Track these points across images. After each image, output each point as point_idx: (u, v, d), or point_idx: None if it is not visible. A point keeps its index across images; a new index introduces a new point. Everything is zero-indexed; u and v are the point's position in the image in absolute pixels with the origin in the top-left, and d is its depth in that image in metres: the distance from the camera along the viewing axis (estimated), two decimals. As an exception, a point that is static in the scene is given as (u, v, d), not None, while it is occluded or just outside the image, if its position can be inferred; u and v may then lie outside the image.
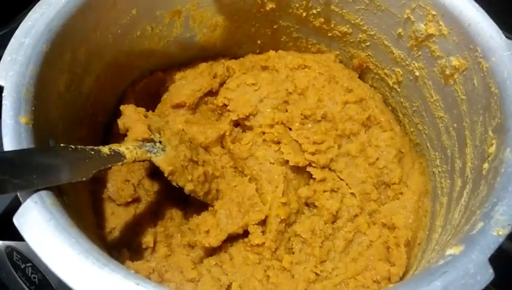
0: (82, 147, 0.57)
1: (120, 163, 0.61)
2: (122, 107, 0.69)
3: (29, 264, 0.80)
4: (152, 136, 0.68)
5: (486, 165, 0.57)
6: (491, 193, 0.52)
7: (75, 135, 0.68)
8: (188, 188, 0.69)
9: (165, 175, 0.66)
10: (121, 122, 0.68)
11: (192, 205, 0.77)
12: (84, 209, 0.67)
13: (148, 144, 0.67)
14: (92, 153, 0.57)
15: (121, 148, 0.63)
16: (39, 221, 0.45)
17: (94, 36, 0.67)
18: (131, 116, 0.68)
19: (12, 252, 0.81)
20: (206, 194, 0.73)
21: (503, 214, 0.48)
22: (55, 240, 0.45)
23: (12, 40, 0.57)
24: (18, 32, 0.57)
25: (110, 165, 0.60)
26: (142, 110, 0.71)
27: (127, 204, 0.73)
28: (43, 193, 0.48)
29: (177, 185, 0.68)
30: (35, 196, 0.47)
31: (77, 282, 0.43)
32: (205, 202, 0.74)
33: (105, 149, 0.60)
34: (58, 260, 0.44)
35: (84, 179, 0.54)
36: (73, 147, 0.55)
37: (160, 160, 0.66)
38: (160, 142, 0.68)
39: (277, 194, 0.74)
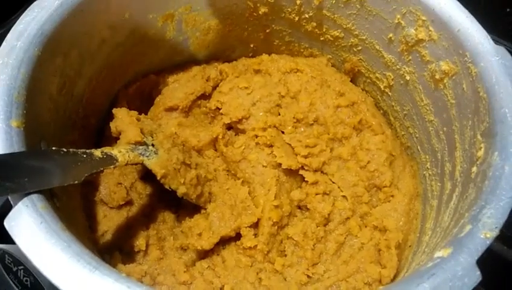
0: (74, 150, 0.57)
1: (112, 166, 0.61)
2: (114, 110, 0.69)
3: (21, 267, 0.80)
4: (145, 140, 0.68)
5: (475, 169, 0.58)
6: (479, 196, 0.52)
7: (68, 137, 0.68)
8: (181, 191, 0.69)
9: (158, 178, 0.67)
10: (113, 125, 0.68)
11: (184, 207, 0.77)
12: (76, 213, 0.67)
13: (141, 147, 0.67)
14: (84, 156, 0.57)
15: (114, 151, 0.63)
16: (30, 224, 0.45)
17: (86, 39, 0.67)
18: (123, 119, 0.68)
19: (4, 255, 0.81)
20: (198, 197, 0.73)
21: (491, 217, 0.49)
22: (46, 243, 0.45)
23: (4, 43, 0.57)
24: (10, 36, 0.57)
25: (102, 169, 0.60)
26: (134, 113, 0.71)
27: (119, 207, 0.73)
28: (34, 196, 0.48)
29: (169, 188, 0.68)
30: (26, 200, 0.47)
31: (68, 285, 0.43)
32: (198, 204, 0.74)
33: (97, 152, 0.60)
34: (49, 264, 0.44)
35: (76, 182, 0.54)
36: (65, 150, 0.55)
37: (153, 163, 0.66)
38: (152, 145, 0.68)
39: (269, 197, 0.74)
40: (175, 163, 0.69)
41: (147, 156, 0.67)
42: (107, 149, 0.62)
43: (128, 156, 0.64)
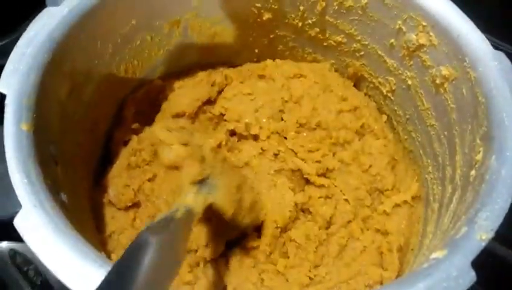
0: (162, 219, 0.49)
1: (195, 219, 0.54)
2: (161, 136, 0.61)
3: (32, 266, 0.82)
4: (206, 173, 0.60)
5: (473, 172, 0.59)
6: (476, 199, 0.53)
7: (76, 141, 0.70)
8: (245, 223, 0.67)
9: (227, 216, 0.61)
10: (165, 157, 0.60)
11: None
12: (84, 214, 0.69)
13: (203, 183, 0.59)
14: (172, 223, 0.50)
15: (188, 202, 0.55)
16: (39, 224, 0.47)
17: (94, 46, 0.69)
18: (178, 151, 0.59)
19: (15, 254, 0.83)
20: (255, 220, 0.70)
21: (487, 219, 0.50)
22: (53, 242, 0.47)
23: (15, 49, 0.59)
24: (20, 42, 0.59)
25: (190, 229, 0.53)
26: (180, 137, 0.61)
27: (127, 208, 0.75)
28: (42, 196, 0.50)
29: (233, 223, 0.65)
30: (34, 199, 0.49)
31: (75, 283, 0.45)
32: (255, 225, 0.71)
33: (180, 212, 0.52)
34: (56, 262, 0.46)
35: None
36: (157, 223, 0.48)
37: (220, 200, 0.60)
38: (208, 177, 0.60)
39: (273, 201, 0.75)
40: (235, 192, 0.62)
41: (210, 192, 0.58)
42: (180, 203, 0.54)
43: (200, 201, 0.56)
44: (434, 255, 0.48)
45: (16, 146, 0.52)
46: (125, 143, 0.83)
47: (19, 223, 0.47)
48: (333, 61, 0.91)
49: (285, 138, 0.81)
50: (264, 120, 0.81)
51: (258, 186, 0.77)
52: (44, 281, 0.81)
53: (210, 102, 0.86)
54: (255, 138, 0.81)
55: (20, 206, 0.49)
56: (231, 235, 0.72)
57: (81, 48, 0.67)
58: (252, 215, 0.68)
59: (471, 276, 0.45)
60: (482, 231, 0.49)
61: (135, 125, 0.83)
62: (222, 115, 0.83)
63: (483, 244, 0.48)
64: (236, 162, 0.79)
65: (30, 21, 0.62)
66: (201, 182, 0.58)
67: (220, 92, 0.88)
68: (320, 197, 0.77)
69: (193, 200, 0.56)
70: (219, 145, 0.81)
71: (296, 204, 0.77)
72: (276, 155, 0.80)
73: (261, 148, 0.80)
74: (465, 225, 0.50)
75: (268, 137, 0.81)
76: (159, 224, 0.48)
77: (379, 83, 0.85)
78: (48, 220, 0.48)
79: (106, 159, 0.81)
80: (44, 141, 0.57)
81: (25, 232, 0.47)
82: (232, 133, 0.83)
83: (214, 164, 0.62)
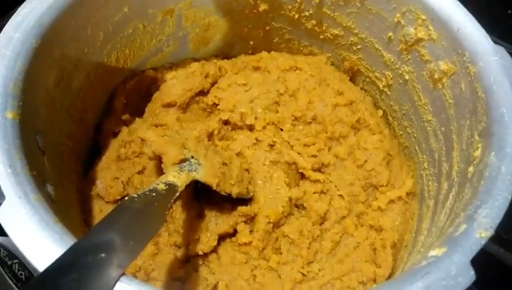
0: (143, 192, 0.55)
1: (177, 194, 0.59)
2: (142, 135, 0.68)
3: (16, 260, 0.80)
4: (186, 155, 0.66)
5: (471, 169, 0.58)
6: (475, 196, 0.52)
7: (64, 131, 0.68)
8: (235, 192, 0.69)
9: (214, 188, 0.66)
10: (149, 150, 0.66)
11: (177, 203, 0.76)
12: (71, 207, 0.67)
13: (185, 163, 0.65)
14: (154, 194, 0.56)
15: (169, 178, 0.61)
16: (22, 216, 0.45)
17: (85, 33, 0.67)
18: (157, 141, 0.66)
19: (-1, 248, 0.81)
20: (247, 190, 0.73)
21: (486, 216, 0.48)
22: (38, 235, 0.44)
23: (2, 34, 0.56)
24: (8, 27, 0.57)
25: (172, 201, 0.57)
26: (160, 130, 0.71)
27: (116, 202, 0.73)
28: (27, 187, 0.47)
29: (224, 193, 0.68)
30: (19, 191, 0.46)
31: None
32: (247, 197, 0.73)
33: (160, 186, 0.58)
34: (40, 256, 0.44)
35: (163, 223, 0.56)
36: (136, 195, 0.53)
37: (204, 176, 0.65)
38: (192, 157, 0.67)
39: (266, 194, 0.74)
40: (219, 167, 0.68)
41: (195, 170, 0.65)
42: (163, 179, 0.60)
43: (183, 178, 0.62)
44: (432, 253, 0.47)
45: (0, 135, 0.50)
46: (115, 134, 0.80)
47: (1, 215, 0.45)
48: (329, 55, 0.89)
49: (281, 129, 0.80)
50: (260, 110, 0.80)
51: (254, 177, 0.76)
52: (28, 276, 0.79)
53: (203, 93, 0.84)
54: (250, 128, 0.80)
55: (3, 197, 0.47)
56: (223, 229, 0.70)
57: (71, 35, 0.64)
58: (242, 184, 0.71)
59: (470, 275, 0.44)
60: (482, 229, 0.48)
61: (125, 117, 0.81)
62: (215, 104, 0.82)
63: (483, 242, 0.47)
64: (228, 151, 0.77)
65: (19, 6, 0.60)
66: (183, 162, 0.65)
67: (213, 84, 0.86)
68: (315, 193, 0.76)
69: (175, 176, 0.61)
70: (211, 134, 0.79)
71: (290, 199, 0.75)
72: (271, 146, 0.78)
73: (256, 139, 0.78)
74: (464, 222, 0.49)
75: (264, 127, 0.79)
76: (139, 195, 0.54)
77: (375, 77, 0.84)
78: (32, 212, 0.46)
79: (95, 150, 0.79)
80: (30, 130, 0.55)
81: (8, 225, 0.45)
82: (226, 122, 0.81)
83: (197, 149, 0.67)
